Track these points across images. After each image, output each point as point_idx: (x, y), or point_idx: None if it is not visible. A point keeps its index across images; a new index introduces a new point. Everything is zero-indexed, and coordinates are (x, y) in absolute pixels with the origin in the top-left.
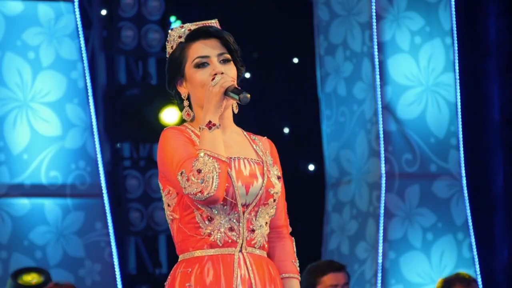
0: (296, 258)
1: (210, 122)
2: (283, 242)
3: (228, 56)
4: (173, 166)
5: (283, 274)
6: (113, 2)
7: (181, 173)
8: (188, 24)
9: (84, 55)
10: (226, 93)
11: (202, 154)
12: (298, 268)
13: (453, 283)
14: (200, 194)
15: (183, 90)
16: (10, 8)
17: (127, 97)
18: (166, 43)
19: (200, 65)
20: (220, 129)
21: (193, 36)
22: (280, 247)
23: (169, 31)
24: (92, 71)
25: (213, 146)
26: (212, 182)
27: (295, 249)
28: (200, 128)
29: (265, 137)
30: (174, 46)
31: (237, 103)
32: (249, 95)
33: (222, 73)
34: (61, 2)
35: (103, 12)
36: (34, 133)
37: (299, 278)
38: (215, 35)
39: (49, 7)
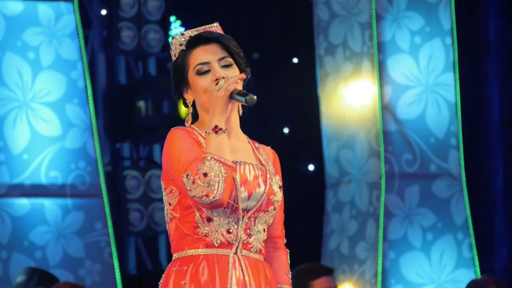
0: (289, 270)
1: (216, 126)
2: (279, 253)
3: (230, 60)
4: (179, 167)
5: (281, 285)
6: (113, 2)
7: (187, 175)
8: (188, 31)
9: (84, 55)
10: (231, 96)
11: (208, 158)
12: (291, 281)
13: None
14: (205, 197)
15: (188, 97)
16: (10, 8)
17: (127, 97)
18: (170, 51)
19: (201, 72)
20: (226, 134)
21: (193, 43)
22: (276, 258)
23: (171, 39)
24: (92, 71)
25: (220, 150)
26: (218, 187)
27: (289, 261)
28: (206, 133)
29: (269, 147)
30: (177, 54)
31: (244, 105)
32: (255, 97)
33: (223, 78)
34: (61, 2)
35: (103, 12)
36: (34, 133)
37: None
38: (215, 40)
39: (49, 7)
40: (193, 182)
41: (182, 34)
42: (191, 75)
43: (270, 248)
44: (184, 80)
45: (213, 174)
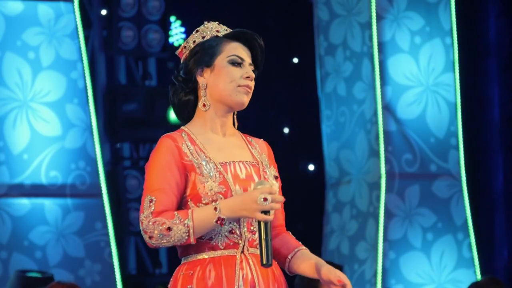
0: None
1: (223, 220)
2: (281, 236)
3: (253, 69)
4: (147, 184)
5: (293, 251)
6: (113, 2)
7: (151, 200)
8: (225, 26)
9: (84, 55)
10: (259, 223)
11: (187, 223)
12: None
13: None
14: (148, 237)
15: (202, 80)
16: (10, 8)
17: (127, 97)
18: (194, 33)
19: (235, 63)
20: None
21: (233, 36)
22: (280, 239)
23: (205, 22)
24: (92, 71)
25: (200, 229)
26: (164, 243)
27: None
28: (213, 206)
29: (262, 139)
30: (207, 37)
31: (260, 257)
32: (270, 265)
33: (269, 200)
34: (61, 2)
35: (103, 12)
36: (34, 133)
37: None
38: (252, 47)
39: (49, 7)
40: (154, 215)
41: (219, 24)
42: (221, 61)
43: (273, 235)
44: (207, 62)
45: (173, 236)
